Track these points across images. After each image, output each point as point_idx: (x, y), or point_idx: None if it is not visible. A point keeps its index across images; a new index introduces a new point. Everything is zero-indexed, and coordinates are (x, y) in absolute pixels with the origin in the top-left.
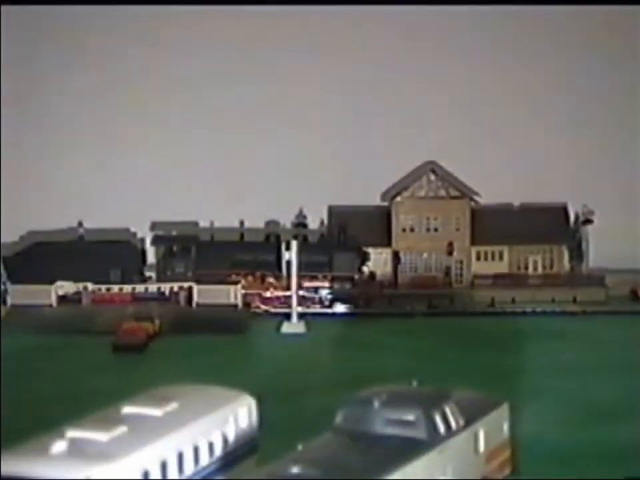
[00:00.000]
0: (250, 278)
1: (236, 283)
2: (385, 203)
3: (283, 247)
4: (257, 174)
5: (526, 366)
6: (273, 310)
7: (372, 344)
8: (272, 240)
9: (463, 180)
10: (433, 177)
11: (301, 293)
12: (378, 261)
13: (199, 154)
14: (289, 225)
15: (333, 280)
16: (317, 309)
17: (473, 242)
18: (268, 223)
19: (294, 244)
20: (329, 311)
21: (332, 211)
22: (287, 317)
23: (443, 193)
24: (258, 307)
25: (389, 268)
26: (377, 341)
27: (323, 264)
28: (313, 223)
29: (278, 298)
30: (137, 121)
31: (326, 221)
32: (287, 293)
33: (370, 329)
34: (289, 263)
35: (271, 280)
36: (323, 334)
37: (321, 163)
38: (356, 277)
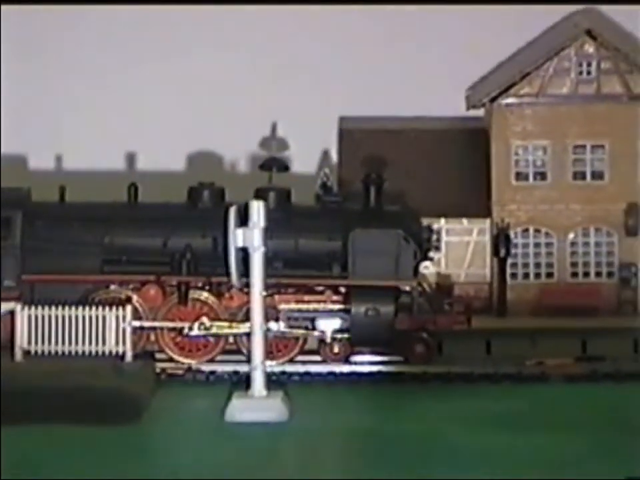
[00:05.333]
0: (152, 290)
1: (119, 302)
2: (475, 113)
3: (231, 214)
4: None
5: None
6: (205, 367)
7: (448, 454)
8: (204, 199)
9: None
10: (590, 49)
11: (275, 326)
12: (459, 249)
13: None
14: (244, 165)
15: (349, 294)
16: (313, 364)
17: None
18: (194, 159)
19: (256, 207)
20: (339, 368)
21: (346, 129)
22: (244, 382)
23: (615, 86)
24: (173, 359)
25: (484, 267)
26: (457, 443)
27: (325, 257)
28: (302, 160)
29: (219, 338)
30: None
31: (334, 156)
32: (242, 328)
33: (438, 411)
34: (244, 253)
35: (203, 295)
36: (328, 426)
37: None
38: (407, 287)
